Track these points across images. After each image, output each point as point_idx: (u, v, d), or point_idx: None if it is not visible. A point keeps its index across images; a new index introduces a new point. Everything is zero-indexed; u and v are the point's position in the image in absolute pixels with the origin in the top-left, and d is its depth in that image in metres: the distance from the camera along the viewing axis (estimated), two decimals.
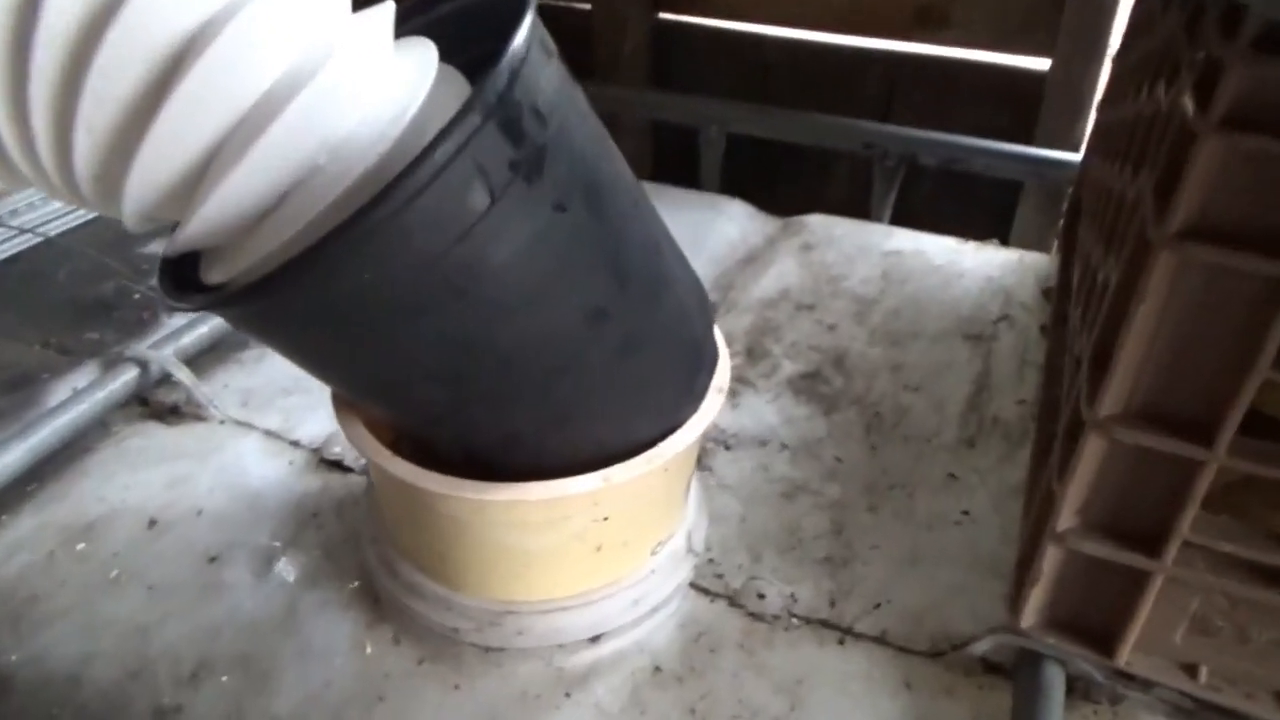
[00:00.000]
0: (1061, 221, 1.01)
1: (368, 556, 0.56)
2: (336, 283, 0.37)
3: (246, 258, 0.39)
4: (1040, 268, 0.98)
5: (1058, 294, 0.80)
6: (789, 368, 0.84)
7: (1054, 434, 0.66)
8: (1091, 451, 0.44)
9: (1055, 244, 1.15)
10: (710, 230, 1.05)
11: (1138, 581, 0.46)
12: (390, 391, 0.45)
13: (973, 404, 0.79)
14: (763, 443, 0.74)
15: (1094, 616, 0.50)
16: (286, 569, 0.58)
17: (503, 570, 0.51)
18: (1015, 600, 0.52)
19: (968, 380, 0.82)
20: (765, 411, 0.78)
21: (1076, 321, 0.58)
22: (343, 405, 0.49)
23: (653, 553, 0.55)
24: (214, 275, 0.41)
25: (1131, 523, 0.46)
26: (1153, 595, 0.47)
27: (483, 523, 0.48)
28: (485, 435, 0.46)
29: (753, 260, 1.02)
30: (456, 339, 0.41)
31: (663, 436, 0.49)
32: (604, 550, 0.51)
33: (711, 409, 0.51)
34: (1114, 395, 0.42)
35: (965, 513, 0.67)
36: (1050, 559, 0.48)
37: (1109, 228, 0.55)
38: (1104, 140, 0.77)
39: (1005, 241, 1.09)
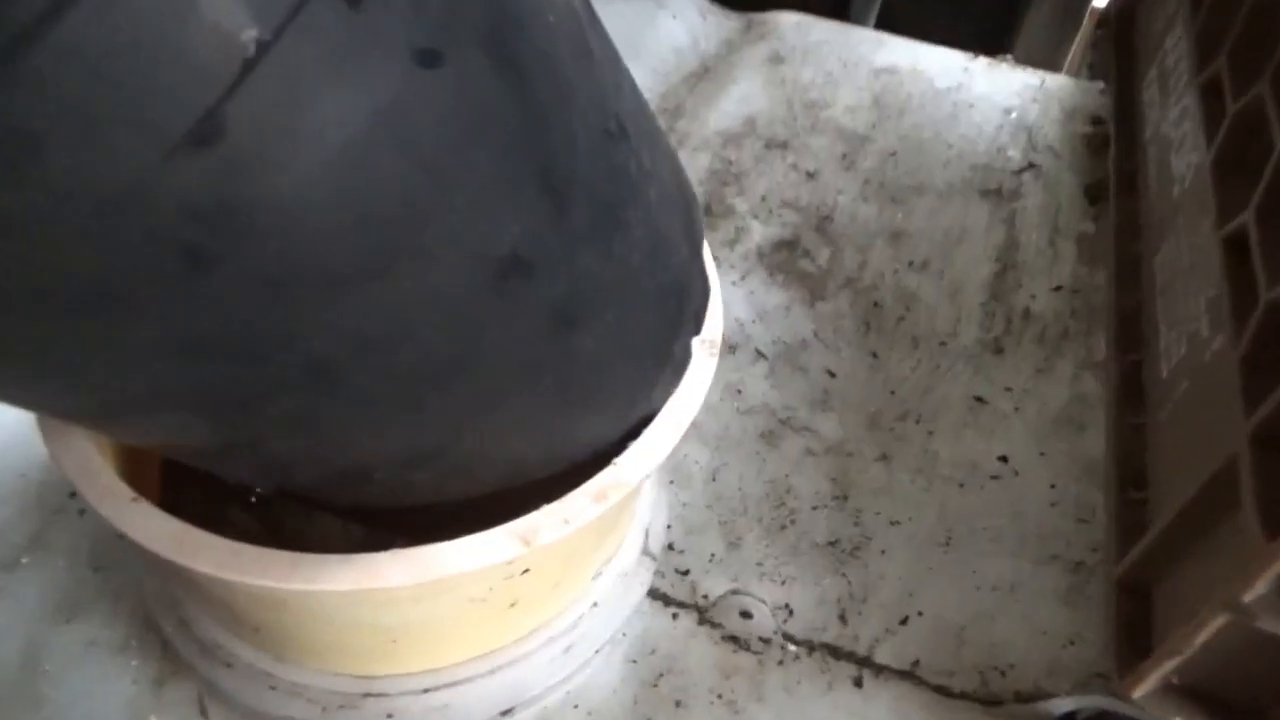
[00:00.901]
0: (1093, 37, 0.79)
1: (145, 590, 0.36)
2: None
3: None
4: (1067, 97, 0.77)
5: (1120, 148, 0.61)
6: (759, 233, 0.63)
7: (1136, 367, 0.49)
8: None
9: (1070, 63, 0.93)
10: (650, 30, 0.81)
11: None
12: (95, 422, 0.23)
13: (995, 291, 0.61)
14: (731, 348, 0.55)
15: (1243, 692, 0.34)
16: (26, 588, 0.38)
17: (358, 646, 0.31)
18: (1125, 664, 0.36)
19: (988, 256, 0.63)
20: (732, 299, 0.58)
21: (1237, 226, 0.38)
22: None
23: (595, 577, 0.36)
24: None
25: None
26: None
27: (314, 604, 0.28)
28: (302, 473, 0.26)
29: (707, 75, 0.78)
30: (207, 345, 0.19)
31: (621, 441, 0.30)
32: (521, 604, 0.32)
33: (698, 386, 0.31)
34: None
35: (1002, 459, 0.50)
36: (1210, 628, 0.32)
37: None
38: None
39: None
